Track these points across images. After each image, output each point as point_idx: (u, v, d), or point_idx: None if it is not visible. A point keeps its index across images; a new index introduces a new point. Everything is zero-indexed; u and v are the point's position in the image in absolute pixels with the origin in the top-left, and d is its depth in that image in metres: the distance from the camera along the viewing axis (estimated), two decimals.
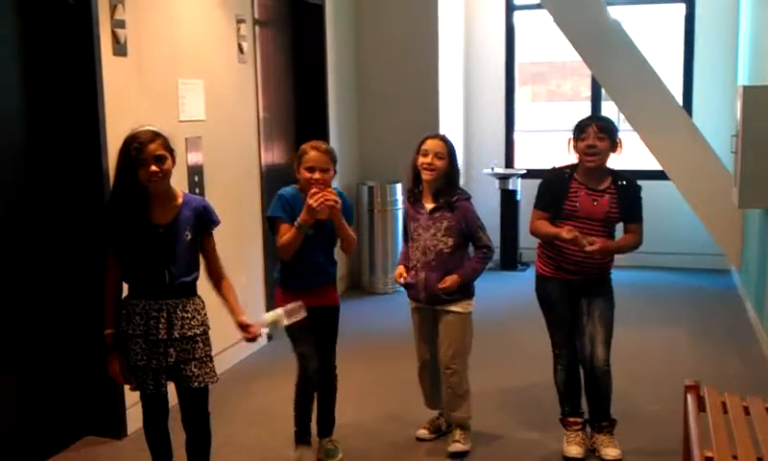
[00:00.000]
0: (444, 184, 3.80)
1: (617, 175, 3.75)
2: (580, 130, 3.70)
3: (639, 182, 3.79)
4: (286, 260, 3.61)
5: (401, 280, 3.91)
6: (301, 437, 3.77)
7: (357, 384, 4.82)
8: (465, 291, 3.81)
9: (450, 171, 3.81)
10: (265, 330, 3.42)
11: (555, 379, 3.86)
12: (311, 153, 3.58)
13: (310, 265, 3.63)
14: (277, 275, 3.76)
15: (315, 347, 3.69)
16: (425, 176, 3.79)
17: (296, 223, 3.50)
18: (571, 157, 3.78)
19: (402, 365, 5.03)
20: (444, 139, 3.84)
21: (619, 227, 3.80)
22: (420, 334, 3.95)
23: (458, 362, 3.83)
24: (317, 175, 3.54)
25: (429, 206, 3.82)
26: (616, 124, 3.82)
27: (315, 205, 3.44)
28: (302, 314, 3.42)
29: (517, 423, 4.22)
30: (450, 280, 3.74)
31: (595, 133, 3.64)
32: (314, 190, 3.46)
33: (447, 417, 3.99)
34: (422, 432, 4.05)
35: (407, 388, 4.64)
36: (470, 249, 3.89)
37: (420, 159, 3.79)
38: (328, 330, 3.76)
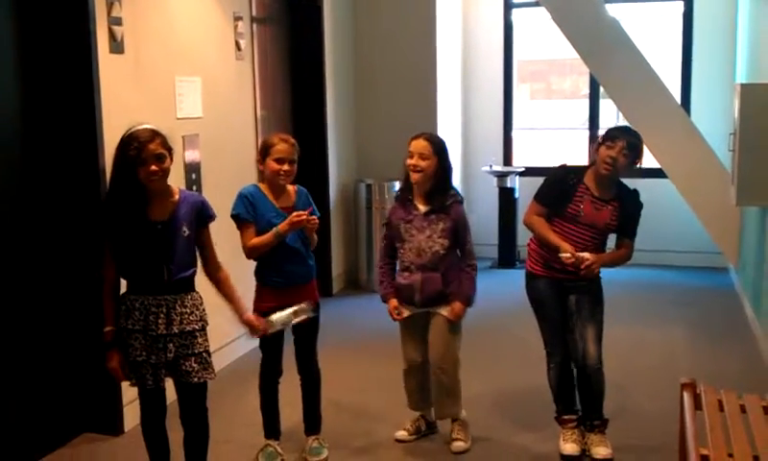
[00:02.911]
0: (435, 185, 3.75)
1: (623, 189, 3.74)
2: (610, 138, 3.65)
3: (632, 178, 3.78)
4: (251, 259, 3.64)
5: (399, 317, 3.84)
6: (268, 431, 3.80)
7: (354, 383, 4.83)
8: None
9: (439, 171, 3.74)
10: (273, 330, 3.45)
11: (548, 378, 3.86)
12: (280, 145, 3.58)
13: (289, 252, 3.59)
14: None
15: (280, 349, 3.72)
16: (412, 177, 3.74)
17: (275, 230, 3.50)
18: (588, 157, 3.76)
19: (400, 365, 5.02)
20: (428, 138, 3.77)
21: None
22: (410, 336, 3.91)
23: (452, 362, 3.85)
24: (285, 166, 3.56)
25: (423, 207, 3.76)
26: (642, 142, 3.75)
27: (299, 226, 3.49)
28: (309, 314, 3.52)
29: (514, 421, 4.23)
30: (455, 313, 3.76)
31: (622, 149, 3.60)
32: (302, 214, 3.47)
33: (437, 415, 3.96)
34: (402, 434, 4.02)
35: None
36: None
37: (407, 161, 3.75)
38: (309, 329, 3.73)
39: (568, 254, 3.57)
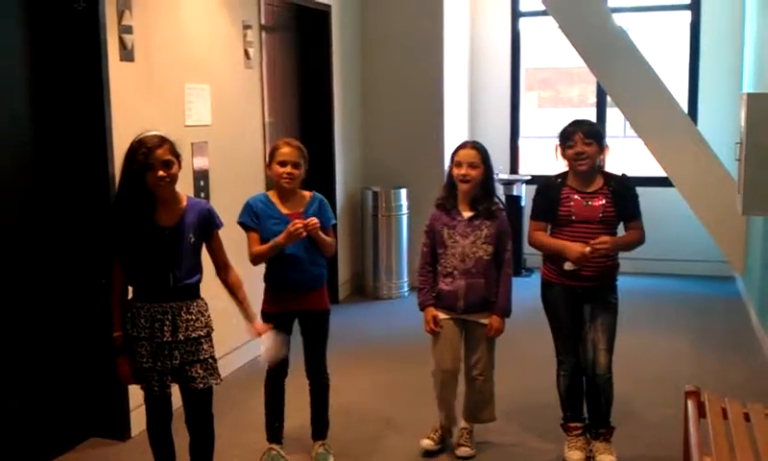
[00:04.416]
0: (481, 192, 3.79)
1: (609, 176, 3.76)
2: (566, 137, 3.70)
3: (639, 186, 3.81)
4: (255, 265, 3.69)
5: (436, 327, 3.80)
6: (271, 436, 3.82)
7: (360, 390, 4.84)
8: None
9: (486, 179, 3.80)
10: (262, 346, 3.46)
11: (557, 385, 3.87)
12: (284, 148, 3.65)
13: (291, 260, 3.62)
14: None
15: (287, 351, 3.71)
16: (462, 187, 3.77)
17: (272, 242, 3.55)
18: (560, 164, 3.79)
19: (407, 372, 5.04)
20: (475, 146, 3.83)
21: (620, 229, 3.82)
22: (446, 343, 3.83)
23: (490, 368, 3.86)
24: (288, 169, 3.62)
25: (467, 213, 3.79)
26: (601, 127, 3.84)
27: (296, 235, 3.50)
28: (281, 353, 3.53)
29: (519, 428, 4.23)
30: (495, 329, 3.78)
31: (582, 139, 3.65)
32: (297, 224, 3.49)
33: (474, 420, 3.93)
34: (428, 443, 3.94)
35: (411, 395, 4.66)
36: None
37: (455, 171, 3.77)
38: (317, 335, 3.77)
39: (572, 261, 3.59)
